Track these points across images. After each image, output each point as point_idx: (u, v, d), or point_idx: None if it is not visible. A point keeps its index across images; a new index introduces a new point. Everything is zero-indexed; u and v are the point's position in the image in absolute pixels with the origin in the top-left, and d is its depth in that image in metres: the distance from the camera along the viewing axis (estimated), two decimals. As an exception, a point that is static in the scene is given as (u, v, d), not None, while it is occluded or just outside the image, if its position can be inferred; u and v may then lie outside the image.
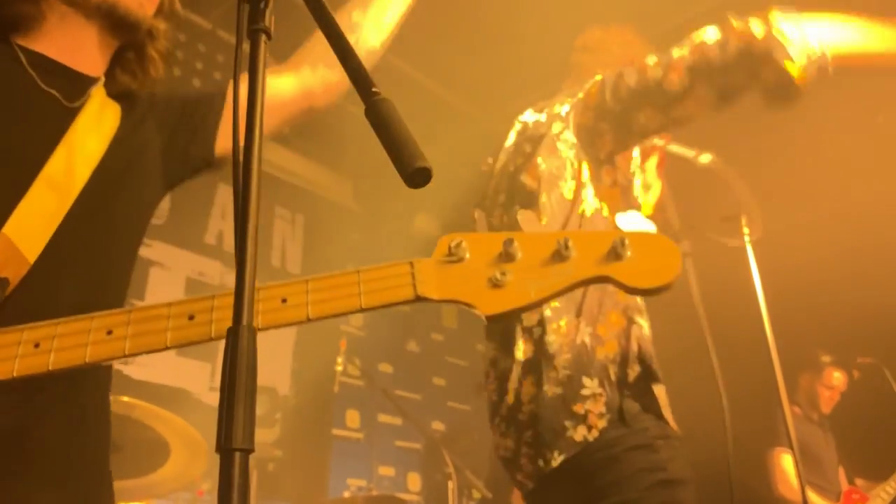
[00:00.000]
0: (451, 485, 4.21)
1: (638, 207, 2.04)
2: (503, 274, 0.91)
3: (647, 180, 2.10)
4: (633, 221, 1.91)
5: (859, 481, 4.33)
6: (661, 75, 1.77)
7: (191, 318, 0.91)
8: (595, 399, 1.69)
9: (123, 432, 2.48)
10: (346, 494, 4.39)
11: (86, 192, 1.23)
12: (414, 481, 5.28)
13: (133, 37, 1.38)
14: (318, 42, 1.54)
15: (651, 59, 1.82)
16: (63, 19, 1.30)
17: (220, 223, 4.52)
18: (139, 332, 0.90)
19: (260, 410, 4.47)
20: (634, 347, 1.78)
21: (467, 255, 0.94)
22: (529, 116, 2.14)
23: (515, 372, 1.81)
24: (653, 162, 2.19)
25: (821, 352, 4.33)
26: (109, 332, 0.91)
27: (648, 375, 1.76)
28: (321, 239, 5.09)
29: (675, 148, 2.52)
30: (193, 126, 1.45)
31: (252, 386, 0.92)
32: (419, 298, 0.92)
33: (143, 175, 1.38)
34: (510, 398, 1.81)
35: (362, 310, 0.92)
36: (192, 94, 1.50)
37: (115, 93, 1.39)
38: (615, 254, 0.92)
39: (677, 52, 1.79)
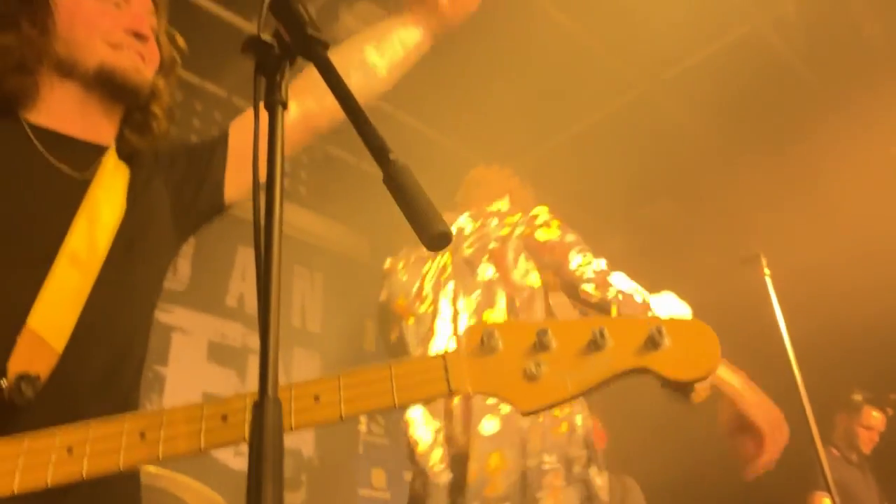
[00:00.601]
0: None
1: None
2: (538, 365, 0.89)
3: None
4: (669, 304, 2.02)
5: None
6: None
7: (224, 418, 0.90)
8: (555, 473, 1.84)
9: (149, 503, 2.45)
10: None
11: (107, 264, 1.22)
12: (443, 539, 5.17)
13: (136, 101, 1.39)
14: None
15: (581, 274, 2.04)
16: (59, 90, 1.32)
17: (241, 285, 4.55)
18: (173, 434, 0.89)
19: (285, 473, 4.41)
20: (580, 431, 1.94)
21: (500, 346, 0.92)
22: (466, 222, 2.41)
23: (480, 448, 1.88)
24: None
25: (854, 390, 4.23)
26: (142, 436, 0.89)
27: (593, 460, 1.92)
28: (340, 296, 5.10)
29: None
30: (199, 177, 1.44)
31: (279, 460, 0.91)
32: (453, 393, 0.91)
33: (158, 236, 1.38)
34: (472, 475, 1.90)
35: (396, 406, 0.91)
36: (194, 145, 1.51)
37: (124, 154, 1.40)
38: (653, 343, 0.89)
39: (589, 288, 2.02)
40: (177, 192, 1.42)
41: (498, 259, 2.12)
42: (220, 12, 3.75)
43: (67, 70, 1.32)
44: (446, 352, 0.93)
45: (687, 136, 4.76)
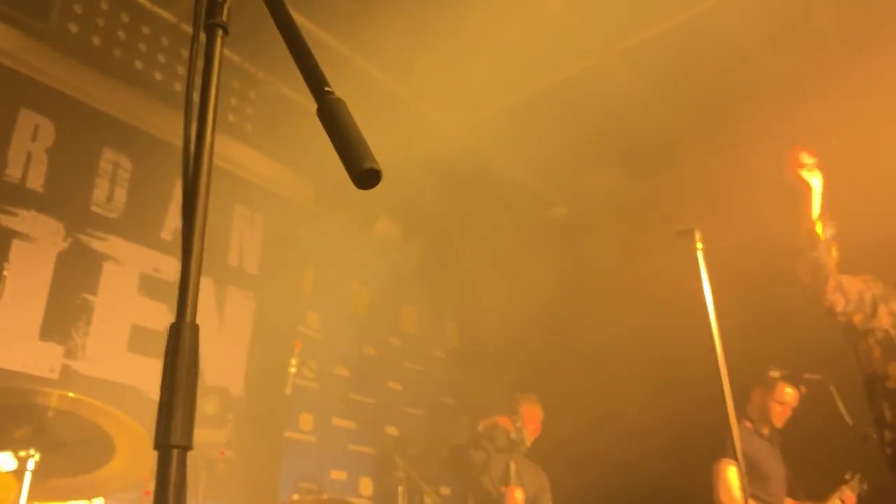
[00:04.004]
0: (401, 489, 4.19)
1: None
2: None
3: None
4: None
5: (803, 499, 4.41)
6: None
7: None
8: None
9: (67, 428, 2.42)
10: (295, 497, 4.34)
11: None
12: (366, 486, 5.25)
13: None
14: None
15: None
16: None
17: (177, 219, 4.45)
18: None
19: (211, 410, 4.40)
20: None
21: None
22: None
23: None
24: None
25: (771, 366, 4.40)
26: None
27: None
28: (280, 239, 5.04)
29: None
30: None
31: (193, 383, 0.90)
32: None
33: None
34: None
35: None
36: None
37: None
38: None
39: None
40: None
41: None
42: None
43: None
44: None
45: (638, 108, 4.80)
